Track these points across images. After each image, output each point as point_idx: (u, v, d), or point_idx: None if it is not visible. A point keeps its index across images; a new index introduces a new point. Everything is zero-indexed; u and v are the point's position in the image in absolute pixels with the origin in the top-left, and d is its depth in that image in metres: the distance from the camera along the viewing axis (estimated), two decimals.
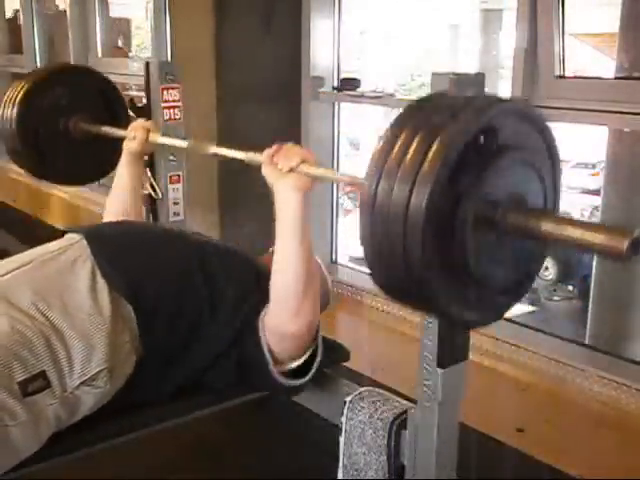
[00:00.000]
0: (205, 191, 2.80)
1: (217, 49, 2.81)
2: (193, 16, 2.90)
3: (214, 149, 1.59)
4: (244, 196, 2.79)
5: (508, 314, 1.09)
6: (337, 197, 2.82)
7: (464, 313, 0.98)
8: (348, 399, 1.42)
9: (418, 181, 0.86)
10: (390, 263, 0.91)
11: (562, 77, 1.96)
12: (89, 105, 2.11)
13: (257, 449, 1.94)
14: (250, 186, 2.83)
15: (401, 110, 0.95)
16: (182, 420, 1.46)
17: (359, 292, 2.58)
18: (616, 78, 2.19)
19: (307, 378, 1.44)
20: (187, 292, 1.42)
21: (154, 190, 2.14)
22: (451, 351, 1.23)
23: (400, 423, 1.34)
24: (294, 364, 1.42)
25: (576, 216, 6.53)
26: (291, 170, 1.29)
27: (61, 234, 1.50)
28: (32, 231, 3.88)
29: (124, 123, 2.03)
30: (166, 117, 2.12)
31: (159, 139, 1.79)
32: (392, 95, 2.49)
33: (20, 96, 1.99)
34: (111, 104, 2.17)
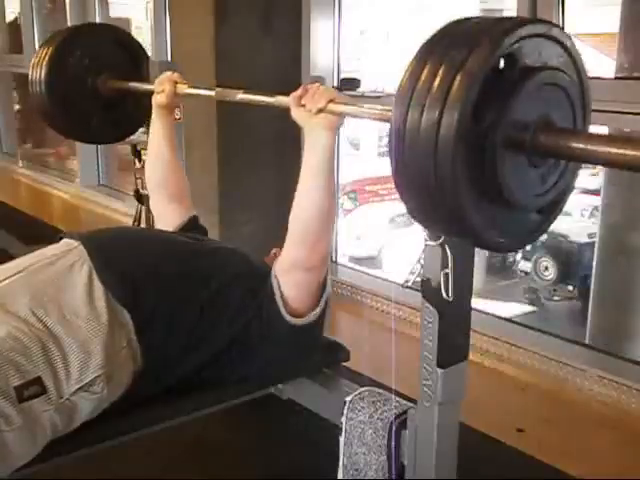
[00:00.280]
0: (205, 192, 2.81)
1: (217, 49, 2.81)
2: (193, 16, 2.90)
3: (241, 95, 1.61)
4: (244, 197, 2.80)
5: (508, 314, 1.09)
6: (337, 197, 2.82)
7: (496, 236, 0.99)
8: (348, 399, 1.42)
9: (447, 107, 0.87)
10: (422, 189, 0.92)
11: None
12: (115, 62, 2.11)
13: (257, 449, 1.93)
14: (250, 186, 2.84)
15: (427, 36, 0.95)
16: (182, 420, 1.46)
17: (359, 292, 2.58)
18: (616, 78, 2.19)
19: (318, 310, 1.45)
20: (185, 297, 1.42)
21: None
22: (451, 351, 1.23)
23: (400, 423, 1.34)
24: (312, 314, 1.44)
25: (576, 216, 6.53)
26: (320, 111, 1.32)
27: (58, 239, 1.50)
28: (32, 231, 3.88)
29: (146, 73, 2.05)
30: None
31: (187, 90, 1.80)
32: (392, 95, 2.49)
33: (47, 58, 1.98)
34: (135, 58, 2.16)
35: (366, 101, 2.51)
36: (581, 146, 0.93)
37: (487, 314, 2.24)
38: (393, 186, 0.96)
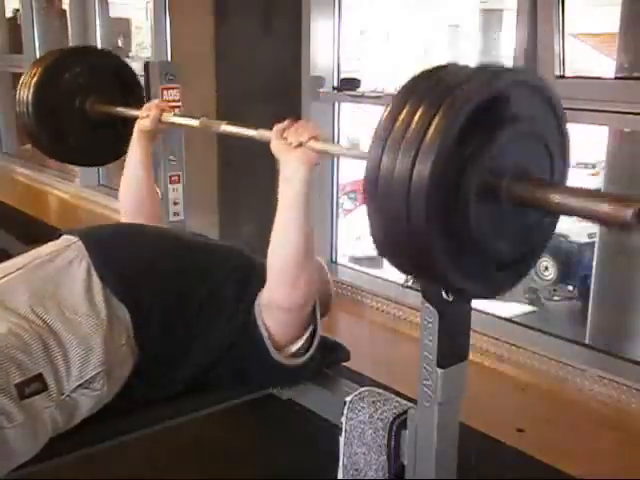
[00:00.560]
0: (205, 191, 2.81)
1: (217, 49, 2.81)
2: (193, 16, 2.90)
3: (224, 127, 1.60)
4: (244, 196, 2.80)
5: (508, 314, 1.09)
6: (337, 197, 2.82)
7: (463, 283, 0.97)
8: (348, 399, 1.42)
9: (422, 151, 0.86)
10: (394, 233, 0.91)
11: (562, 77, 1.97)
12: (105, 86, 2.11)
13: (257, 449, 1.93)
14: (250, 186, 2.84)
15: (405, 82, 0.95)
16: (182, 420, 1.46)
17: (359, 292, 2.58)
18: (616, 78, 2.19)
19: (307, 356, 1.44)
20: (184, 294, 1.42)
21: None
22: (451, 351, 1.23)
23: (400, 423, 1.34)
24: (294, 347, 1.43)
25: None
26: (300, 145, 1.31)
27: (57, 236, 1.50)
28: (32, 231, 3.88)
29: (140, 104, 2.04)
30: None
31: (171, 118, 1.80)
32: (392, 95, 2.49)
33: (36, 78, 1.99)
34: (128, 86, 2.17)
35: (366, 101, 2.51)
36: (555, 198, 0.91)
37: (487, 314, 2.24)
38: None
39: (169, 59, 2.97)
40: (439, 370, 1.22)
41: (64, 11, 4.13)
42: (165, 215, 2.14)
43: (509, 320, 2.35)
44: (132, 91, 2.16)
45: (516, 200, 0.94)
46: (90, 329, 1.28)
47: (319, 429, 1.58)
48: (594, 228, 4.15)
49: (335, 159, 2.73)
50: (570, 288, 5.87)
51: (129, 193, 1.83)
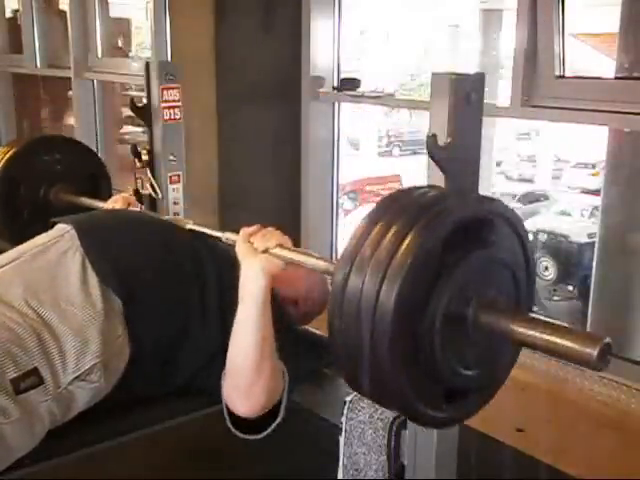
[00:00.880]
0: (205, 191, 2.81)
1: (217, 49, 2.81)
2: (193, 16, 2.90)
3: (190, 226, 1.58)
4: (244, 196, 2.80)
5: None
6: (337, 197, 2.82)
7: (431, 412, 0.95)
8: (348, 399, 1.42)
9: (389, 274, 0.85)
10: (357, 356, 0.89)
11: (562, 77, 1.96)
12: (72, 175, 2.13)
13: (257, 449, 1.93)
14: (250, 187, 2.84)
15: (377, 201, 0.95)
16: (182, 420, 1.46)
17: None
18: (616, 78, 2.18)
19: (260, 435, 1.39)
20: (178, 286, 1.41)
21: (154, 190, 2.14)
22: None
23: (400, 423, 1.34)
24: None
25: (576, 216, 6.53)
26: (265, 250, 1.30)
27: (51, 225, 1.49)
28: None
29: (107, 196, 2.05)
30: (166, 117, 2.11)
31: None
32: (392, 95, 2.49)
33: (2, 163, 2.01)
34: (95, 176, 2.19)
35: (366, 101, 2.51)
36: (521, 329, 0.90)
37: None
38: (393, 186, 0.96)
39: (169, 59, 2.96)
40: None
41: (64, 11, 4.13)
42: (165, 215, 2.14)
43: None
44: (100, 185, 2.19)
45: (482, 328, 0.92)
46: (86, 320, 1.27)
47: (319, 429, 1.58)
48: (594, 228, 4.15)
49: (336, 158, 2.73)
50: (570, 288, 5.87)
51: None
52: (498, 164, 7.74)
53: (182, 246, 1.50)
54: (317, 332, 1.62)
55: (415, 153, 9.38)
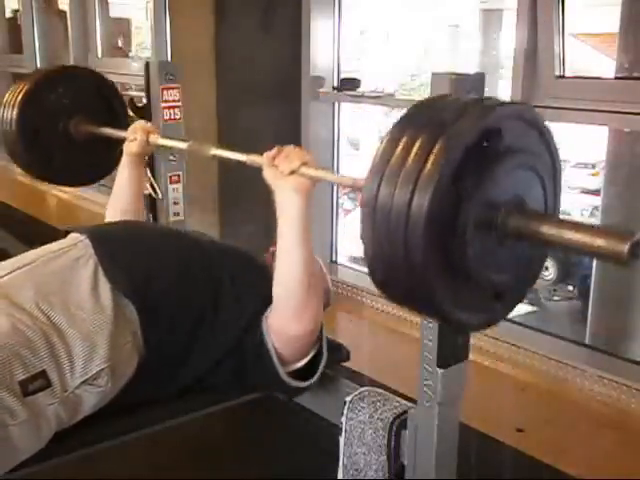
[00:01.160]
0: (205, 191, 2.81)
1: (217, 49, 2.81)
2: (193, 16, 2.90)
3: (214, 151, 1.58)
4: (244, 196, 2.79)
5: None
6: (337, 197, 2.82)
7: (463, 316, 0.97)
8: (348, 399, 1.43)
9: (419, 184, 0.86)
10: (391, 265, 0.91)
11: (562, 77, 1.96)
12: (89, 106, 2.11)
13: (257, 449, 1.93)
14: (250, 186, 2.83)
15: (403, 112, 0.95)
16: (182, 420, 1.46)
17: (359, 292, 2.58)
18: (616, 78, 2.19)
19: (314, 379, 1.44)
20: (190, 292, 1.42)
21: (154, 190, 2.14)
22: (451, 351, 1.23)
23: (400, 423, 1.34)
24: (299, 364, 1.42)
25: (576, 216, 6.53)
26: (292, 172, 1.30)
27: (64, 234, 1.50)
28: (32, 231, 3.88)
29: (124, 124, 2.02)
30: (166, 117, 2.12)
31: (159, 140, 1.79)
32: (392, 95, 2.50)
33: (20, 97, 1.99)
34: (111, 104, 2.16)
35: (366, 101, 2.51)
36: (550, 231, 0.92)
37: None
38: None
39: (169, 59, 2.96)
40: (439, 370, 1.22)
41: (64, 11, 4.13)
42: (165, 215, 2.15)
43: (509, 320, 2.35)
44: (117, 112, 2.17)
45: (511, 232, 0.94)
46: (95, 326, 1.28)
47: (319, 429, 1.58)
48: None
49: (336, 158, 2.73)
50: (570, 288, 5.87)
51: (113, 210, 1.84)
52: None
53: (196, 255, 1.51)
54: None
55: None
